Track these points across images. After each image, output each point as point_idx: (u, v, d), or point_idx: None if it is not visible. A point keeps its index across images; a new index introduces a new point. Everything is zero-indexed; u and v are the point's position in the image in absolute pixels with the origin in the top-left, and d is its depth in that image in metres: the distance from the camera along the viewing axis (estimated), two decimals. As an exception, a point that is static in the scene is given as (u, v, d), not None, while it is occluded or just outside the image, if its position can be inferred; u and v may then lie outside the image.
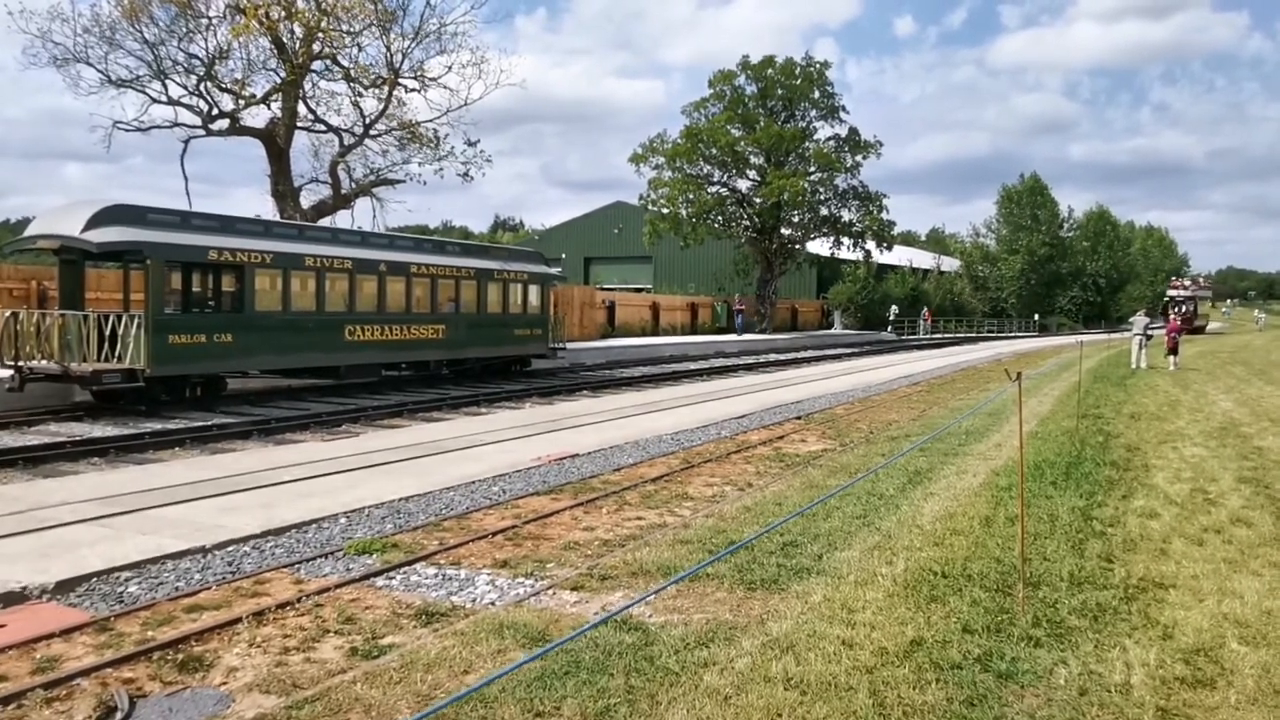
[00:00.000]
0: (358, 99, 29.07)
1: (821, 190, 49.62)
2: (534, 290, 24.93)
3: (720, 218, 49.26)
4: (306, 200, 28.87)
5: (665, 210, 47.19)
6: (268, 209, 28.13)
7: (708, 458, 11.98)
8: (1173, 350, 26.59)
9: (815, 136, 50.22)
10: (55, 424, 14.74)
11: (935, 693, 4.38)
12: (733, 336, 43.98)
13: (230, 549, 7.32)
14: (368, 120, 29.11)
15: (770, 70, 48.98)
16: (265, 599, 6.13)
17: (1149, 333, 27.79)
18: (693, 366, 29.98)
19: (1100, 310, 79.25)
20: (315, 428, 15.01)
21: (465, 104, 29.78)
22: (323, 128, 29.41)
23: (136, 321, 15.54)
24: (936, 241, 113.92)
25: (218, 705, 4.56)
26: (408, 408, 17.20)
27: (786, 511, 8.19)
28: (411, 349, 21.16)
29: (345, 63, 28.40)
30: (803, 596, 5.86)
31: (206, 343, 16.61)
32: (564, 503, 9.13)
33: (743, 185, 49.83)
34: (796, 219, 49.85)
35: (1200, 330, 60.37)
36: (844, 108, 50.35)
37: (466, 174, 30.89)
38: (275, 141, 27.74)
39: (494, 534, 7.87)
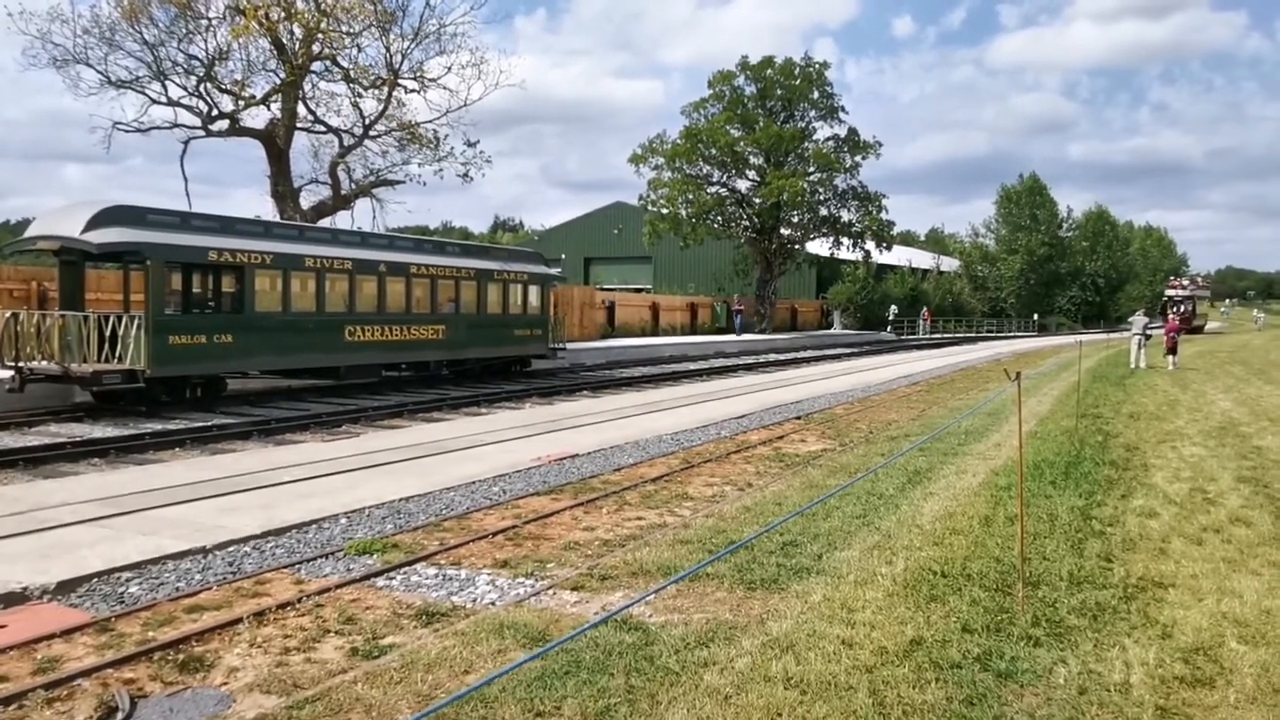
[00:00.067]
0: (357, 100, 29.12)
1: (821, 190, 49.66)
2: (534, 291, 24.94)
3: (720, 218, 49.30)
4: (306, 201, 28.90)
5: (665, 210, 47.24)
6: (267, 210, 28.18)
7: (707, 458, 11.98)
8: (1171, 350, 26.60)
9: (814, 137, 50.32)
10: (55, 425, 14.75)
11: (935, 692, 4.39)
12: (732, 337, 44.00)
13: (231, 549, 7.33)
14: (367, 121, 29.13)
15: (769, 70, 49.02)
16: (266, 599, 6.14)
17: (1148, 332, 27.79)
18: (692, 367, 29.99)
19: (1099, 310, 79.30)
20: (315, 428, 15.02)
21: (465, 104, 29.84)
22: (322, 129, 29.46)
23: (136, 322, 15.55)
24: (936, 241, 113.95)
25: (218, 705, 4.57)
26: (408, 408, 17.21)
27: (786, 511, 8.20)
28: (411, 349, 21.17)
29: (345, 63, 28.46)
30: (802, 596, 5.87)
31: (206, 343, 16.62)
32: (564, 503, 9.13)
33: (742, 185, 49.92)
34: (796, 219, 49.88)
35: (1199, 330, 60.36)
36: (843, 108, 50.50)
37: (466, 174, 30.94)
38: (275, 142, 27.75)
39: (494, 534, 7.88)
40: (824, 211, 50.18)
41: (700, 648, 4.96)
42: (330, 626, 5.66)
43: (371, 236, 22.27)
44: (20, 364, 15.67)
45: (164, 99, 26.64)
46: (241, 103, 27.68)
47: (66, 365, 15.37)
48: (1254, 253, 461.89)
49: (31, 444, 12.57)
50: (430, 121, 29.83)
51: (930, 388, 22.21)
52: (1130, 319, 30.29)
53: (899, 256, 67.90)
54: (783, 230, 49.89)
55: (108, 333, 15.40)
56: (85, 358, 15.38)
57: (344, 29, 27.50)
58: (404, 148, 30.11)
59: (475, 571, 6.87)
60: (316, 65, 28.01)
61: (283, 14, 25.90)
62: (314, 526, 8.07)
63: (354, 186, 29.97)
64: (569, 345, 28.26)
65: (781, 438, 13.90)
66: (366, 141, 29.56)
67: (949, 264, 79.91)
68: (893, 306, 59.86)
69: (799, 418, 16.24)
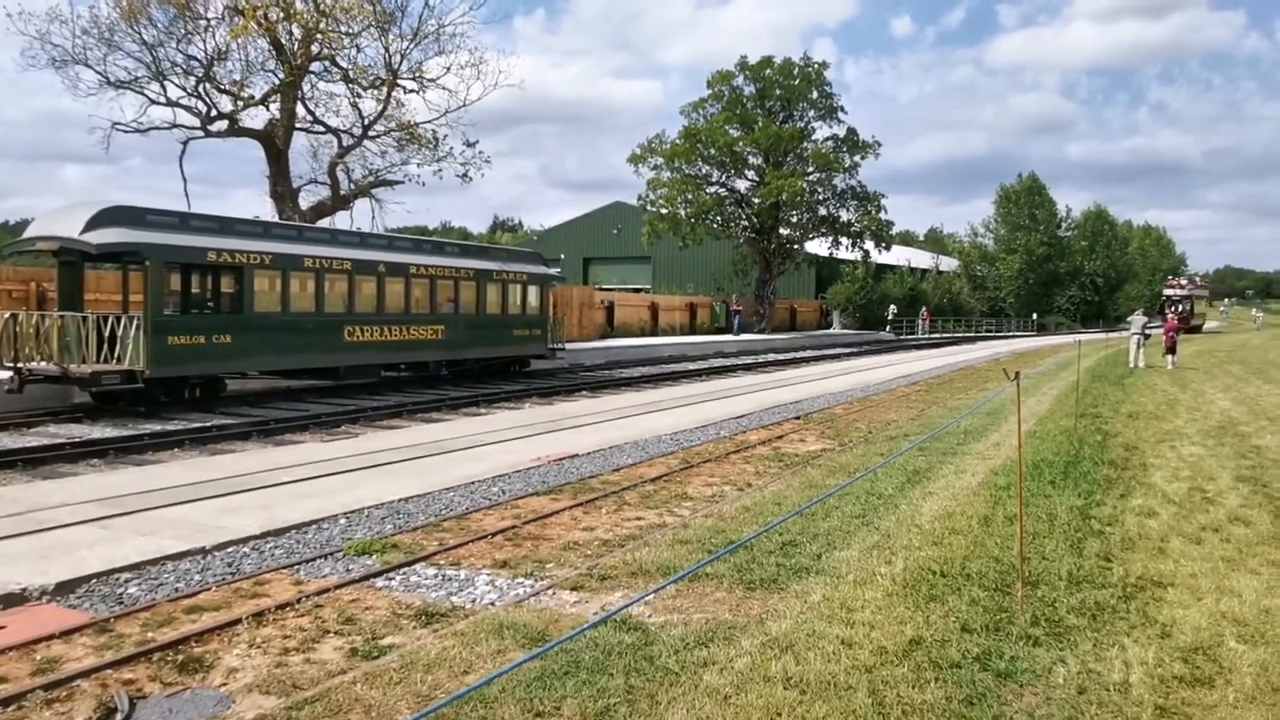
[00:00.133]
0: (356, 100, 29.13)
1: (820, 190, 49.67)
2: (533, 291, 24.93)
3: (719, 218, 49.31)
4: (305, 201, 28.90)
5: (664, 210, 47.25)
6: (266, 210, 28.18)
7: (707, 458, 11.99)
8: (1170, 349, 26.63)
9: (813, 137, 50.33)
10: (54, 425, 14.74)
11: (934, 692, 4.39)
12: (730, 336, 44.01)
13: (230, 550, 7.33)
14: (366, 121, 29.13)
15: (768, 71, 49.03)
16: (265, 600, 6.14)
17: (1147, 332, 27.82)
18: (691, 367, 29.99)
19: (1098, 309, 79.35)
20: (314, 428, 15.01)
21: (464, 105, 29.85)
22: (321, 129, 29.46)
23: (135, 323, 15.54)
24: (935, 241, 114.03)
25: (218, 706, 4.57)
26: (407, 408, 17.21)
27: (785, 511, 8.20)
28: (410, 350, 21.17)
29: (344, 64, 28.46)
30: (802, 596, 5.87)
31: (205, 344, 16.62)
32: (563, 503, 9.13)
33: (741, 185, 49.94)
34: (795, 219, 49.90)
35: (1197, 329, 60.39)
36: (842, 108, 50.51)
37: (465, 175, 30.95)
38: (274, 143, 27.75)
39: (494, 534, 7.88)
40: (823, 211, 50.20)
41: (700, 648, 4.96)
42: (329, 627, 5.66)
43: (370, 237, 22.27)
44: (19, 365, 15.67)
45: (163, 99, 26.68)
46: (240, 103, 27.69)
47: (65, 366, 15.36)
48: (1252, 252, 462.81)
49: (30, 445, 12.56)
50: (429, 122, 29.88)
51: (929, 387, 22.22)
52: (1129, 318, 30.27)
53: (898, 256, 67.93)
54: (782, 230, 49.91)
55: (106, 333, 15.39)
56: (84, 358, 15.37)
57: (343, 29, 27.52)
58: (403, 148, 30.15)
59: (475, 572, 6.87)
60: (315, 65, 28.02)
61: (281, 14, 25.90)
62: (313, 527, 8.07)
63: (353, 187, 29.97)
64: (568, 345, 28.26)
65: (781, 438, 13.90)
66: (365, 142, 29.59)
67: (948, 264, 79.93)
68: (892, 306, 59.87)
69: (798, 418, 16.25)
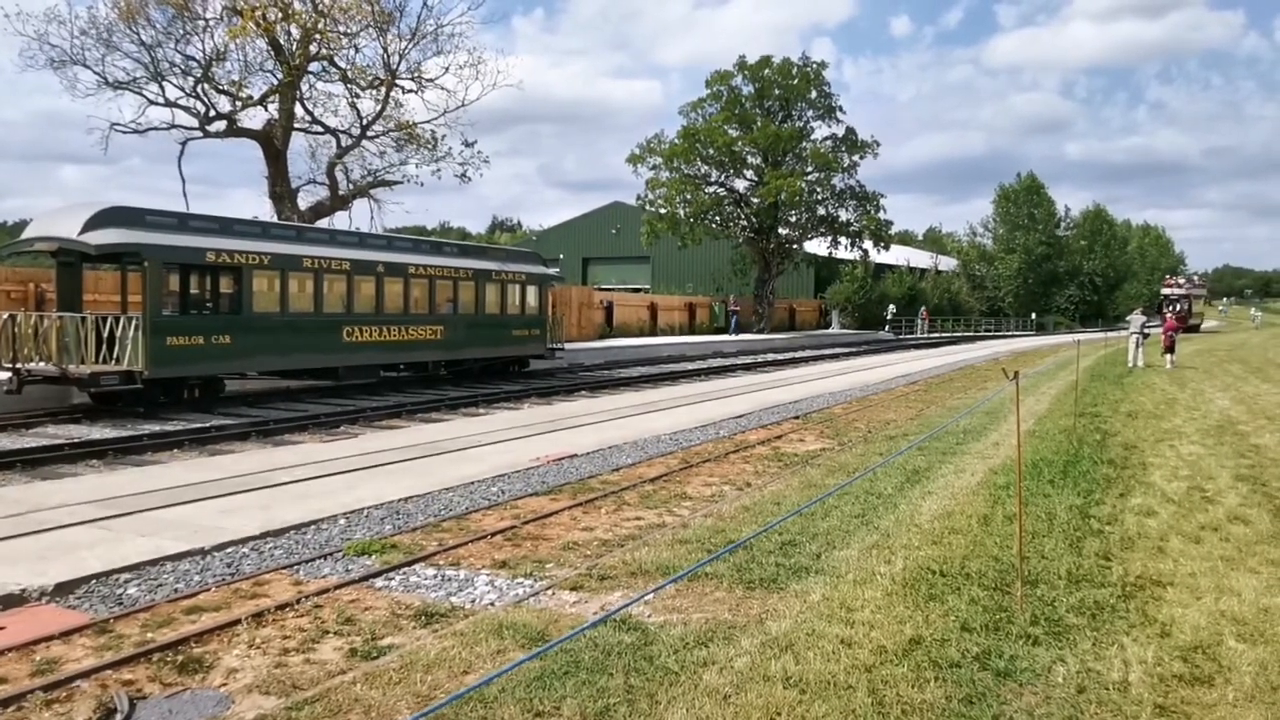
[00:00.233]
0: (355, 100, 29.14)
1: (819, 190, 49.66)
2: (532, 291, 24.94)
3: (718, 218, 49.31)
4: (304, 202, 28.91)
5: (663, 210, 47.26)
6: (265, 210, 28.20)
7: (706, 458, 11.99)
8: (1169, 349, 26.65)
9: (812, 136, 50.30)
10: (53, 426, 14.73)
11: (934, 691, 4.39)
12: (729, 336, 44.02)
13: (229, 550, 7.32)
14: (365, 121, 29.14)
15: (767, 70, 49.03)
16: (264, 600, 6.14)
17: (1146, 331, 27.84)
18: (691, 367, 30.00)
19: (1097, 309, 79.41)
20: (314, 429, 15.01)
21: (462, 105, 29.87)
22: (320, 129, 29.47)
23: (134, 323, 15.53)
24: (934, 241, 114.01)
25: (217, 706, 4.57)
26: (406, 408, 17.20)
27: (785, 511, 8.21)
28: (410, 350, 21.16)
29: (342, 64, 28.47)
30: (801, 595, 5.87)
31: (204, 344, 16.61)
32: (563, 503, 9.13)
33: (740, 185, 49.93)
34: (794, 219, 49.88)
35: (1196, 328, 60.43)
36: (841, 108, 50.46)
37: (464, 175, 30.96)
38: (272, 143, 27.74)
39: (493, 534, 7.88)
40: (822, 211, 50.18)
41: (699, 647, 4.96)
42: (329, 627, 5.66)
43: (369, 237, 22.26)
44: (18, 365, 15.66)
45: (161, 100, 26.68)
46: (239, 103, 27.70)
47: (64, 366, 15.36)
48: (1251, 251, 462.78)
49: (29, 445, 12.55)
50: (428, 122, 29.89)
51: (928, 387, 22.23)
52: (1128, 318, 30.29)
53: (897, 256, 67.94)
54: (781, 230, 49.90)
55: (105, 334, 15.38)
56: (83, 359, 15.36)
57: (341, 29, 27.53)
58: (401, 148, 30.17)
59: (474, 572, 6.87)
60: (314, 66, 28.03)
61: (280, 15, 25.89)
62: (312, 527, 8.07)
63: (352, 187, 29.97)
64: (567, 345, 28.26)
65: (780, 437, 13.91)
66: (364, 142, 29.60)
67: (947, 263, 79.94)
68: (891, 306, 59.87)
69: (797, 417, 16.25)
